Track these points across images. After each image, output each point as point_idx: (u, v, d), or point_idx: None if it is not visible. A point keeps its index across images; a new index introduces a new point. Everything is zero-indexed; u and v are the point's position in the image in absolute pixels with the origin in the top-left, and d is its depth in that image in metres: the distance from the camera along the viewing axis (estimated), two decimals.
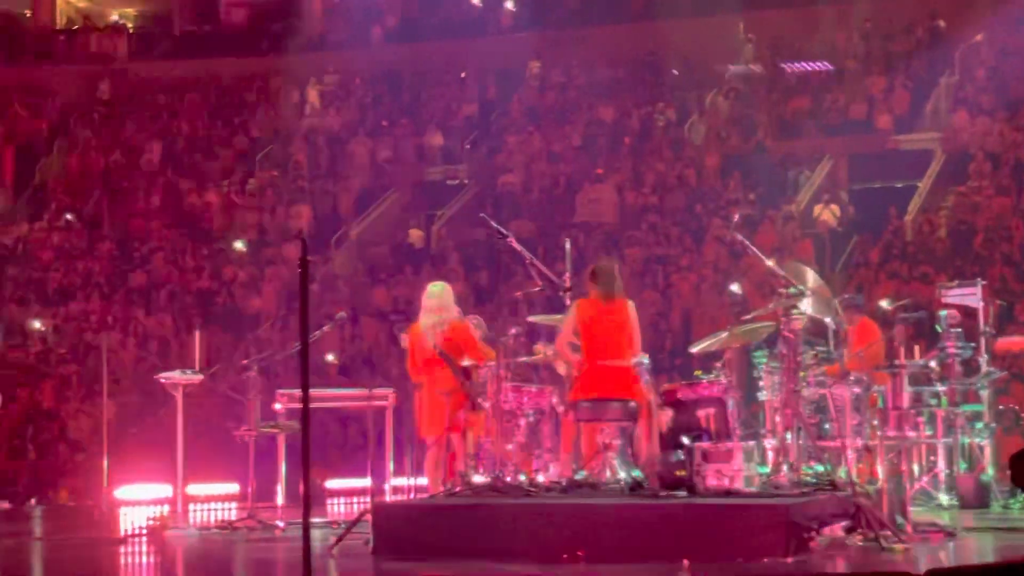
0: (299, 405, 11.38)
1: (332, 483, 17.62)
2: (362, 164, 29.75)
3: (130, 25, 37.98)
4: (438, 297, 12.09)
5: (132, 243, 28.39)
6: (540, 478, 10.88)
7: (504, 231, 12.05)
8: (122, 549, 11.55)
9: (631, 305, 11.17)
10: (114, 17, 38.91)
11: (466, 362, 11.74)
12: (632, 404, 10.76)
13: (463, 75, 31.50)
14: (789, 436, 10.45)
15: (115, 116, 32.78)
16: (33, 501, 19.83)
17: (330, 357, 21.95)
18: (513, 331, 11.36)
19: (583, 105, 29.28)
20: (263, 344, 22.58)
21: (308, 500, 7.49)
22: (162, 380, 13.62)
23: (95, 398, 21.48)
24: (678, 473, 10.14)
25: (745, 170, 25.72)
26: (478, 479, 10.91)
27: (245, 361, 13.79)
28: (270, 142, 30.95)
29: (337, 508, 15.22)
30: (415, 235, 27.17)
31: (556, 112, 29.45)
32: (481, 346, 12.02)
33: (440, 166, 29.82)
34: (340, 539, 10.48)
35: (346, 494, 16.43)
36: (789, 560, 8.82)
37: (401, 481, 12.70)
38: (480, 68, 31.45)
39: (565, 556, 9.15)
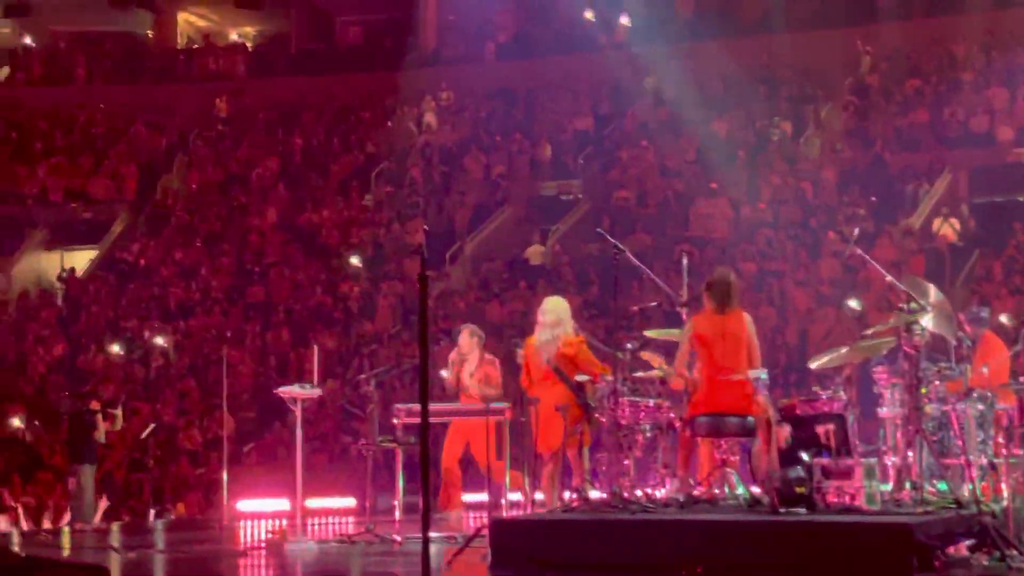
0: (417, 420, 11.46)
1: None
2: (476, 179, 29.88)
3: (248, 44, 38.55)
4: (554, 312, 12.06)
5: (250, 258, 28.78)
6: (657, 493, 10.81)
7: (620, 246, 12.01)
8: (242, 562, 11.68)
9: (748, 318, 11.03)
10: (233, 36, 39.54)
11: (580, 377, 11.70)
12: (750, 419, 10.66)
13: (576, 90, 31.51)
14: (911, 453, 10.29)
15: (233, 133, 33.28)
16: (153, 514, 20.10)
17: (444, 373, 21.97)
18: (629, 346, 11.29)
19: (697, 119, 29.14)
20: (379, 359, 22.73)
21: (427, 515, 7.52)
22: (281, 394, 13.71)
23: (214, 412, 21.76)
24: (798, 489, 9.99)
25: (862, 183, 25.44)
26: (595, 494, 10.87)
27: (362, 376, 13.86)
28: (385, 158, 31.22)
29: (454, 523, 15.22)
30: (535, 251, 27.11)
31: (670, 126, 29.34)
32: (596, 361, 11.97)
33: (554, 181, 29.86)
34: (458, 554, 10.48)
35: (463, 508, 16.43)
36: None
37: (518, 496, 12.68)
38: (593, 83, 31.45)
39: (683, 572, 9.09)
